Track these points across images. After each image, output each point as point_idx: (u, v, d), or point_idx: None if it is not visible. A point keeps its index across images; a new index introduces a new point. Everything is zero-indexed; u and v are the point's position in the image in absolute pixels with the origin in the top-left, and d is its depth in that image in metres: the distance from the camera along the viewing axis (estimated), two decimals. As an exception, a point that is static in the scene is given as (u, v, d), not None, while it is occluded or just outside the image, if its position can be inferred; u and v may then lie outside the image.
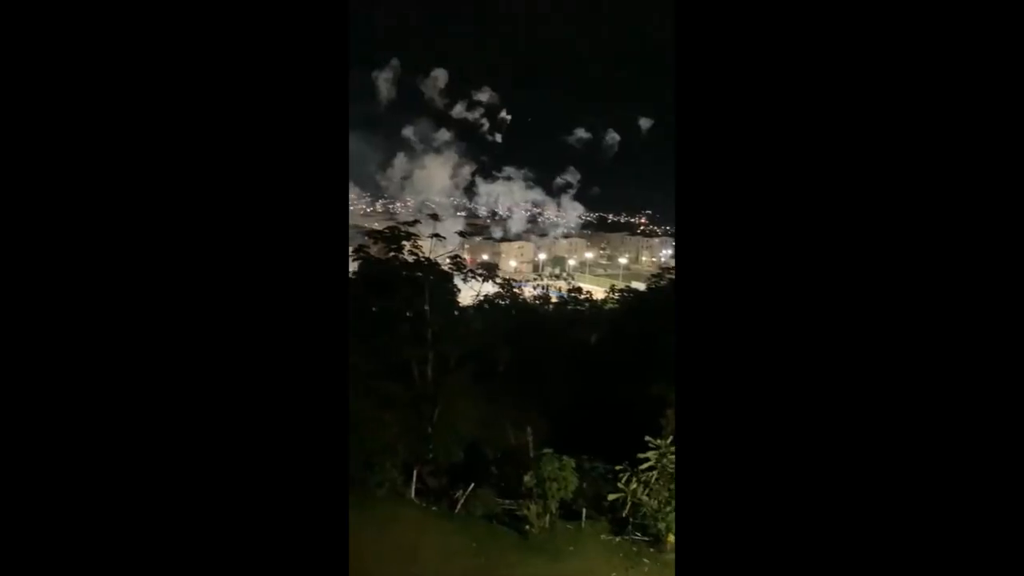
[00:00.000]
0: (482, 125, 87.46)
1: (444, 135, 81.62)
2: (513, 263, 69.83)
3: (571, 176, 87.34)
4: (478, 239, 72.24)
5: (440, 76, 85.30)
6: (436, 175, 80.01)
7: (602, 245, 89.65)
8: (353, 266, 19.44)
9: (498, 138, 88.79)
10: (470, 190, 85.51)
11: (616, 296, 30.77)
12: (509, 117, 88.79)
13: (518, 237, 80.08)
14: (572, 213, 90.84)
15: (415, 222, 19.37)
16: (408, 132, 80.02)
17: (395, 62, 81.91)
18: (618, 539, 13.77)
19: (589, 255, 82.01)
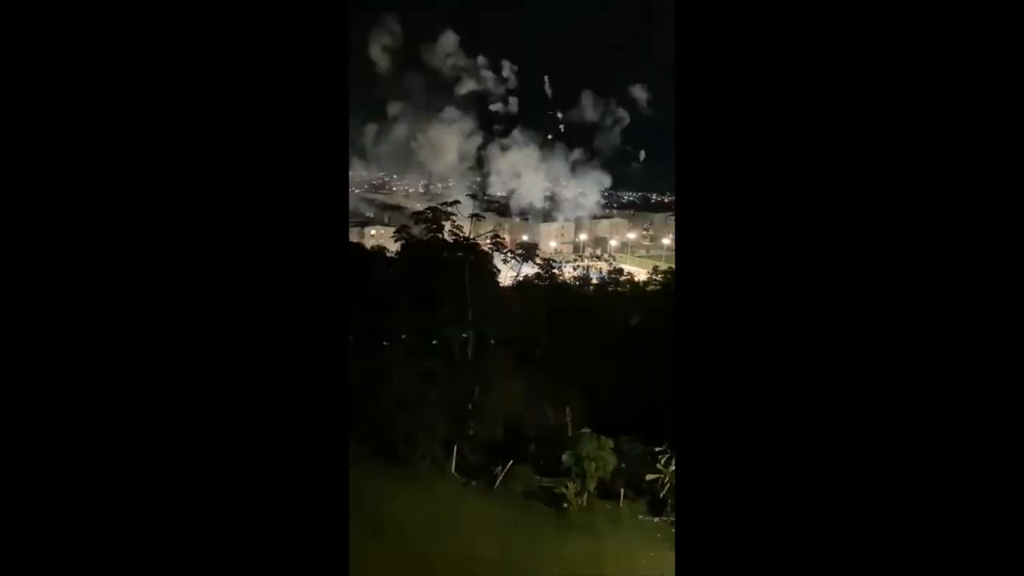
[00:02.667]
0: (492, 94, 77.27)
1: (453, 105, 73.10)
2: (553, 244, 69.23)
3: (587, 151, 79.36)
4: (517, 219, 71.25)
5: (448, 41, 73.97)
6: (447, 148, 71.33)
7: (645, 226, 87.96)
8: (395, 247, 19.78)
9: (513, 106, 78.19)
10: (481, 165, 76.40)
11: (659, 278, 30.26)
12: (516, 70, 77.66)
13: (546, 216, 74.09)
14: (595, 189, 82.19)
15: (455, 202, 19.47)
16: (413, 102, 71.12)
17: (396, 27, 72.28)
18: (656, 520, 13.77)
19: (631, 236, 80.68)
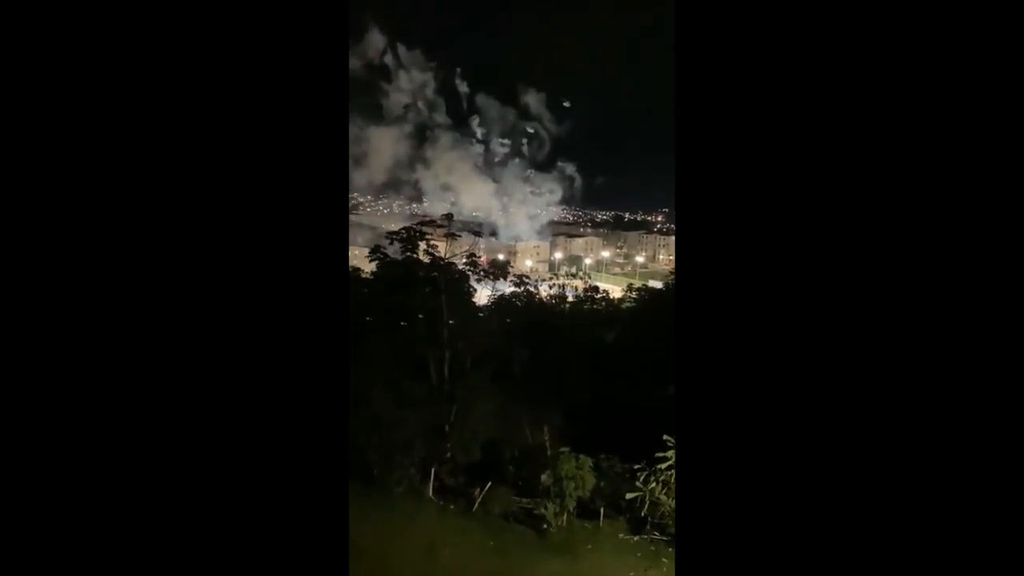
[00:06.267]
0: (422, 97, 74.06)
1: (379, 109, 70.51)
2: (529, 262, 69.40)
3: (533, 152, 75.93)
4: (493, 239, 70.70)
5: (375, 41, 70.64)
6: (374, 157, 68.50)
7: (619, 244, 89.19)
8: (371, 266, 19.63)
9: (440, 114, 73.58)
10: (413, 175, 72.97)
11: (633, 295, 30.59)
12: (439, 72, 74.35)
13: (491, 229, 68.74)
14: (545, 196, 78.51)
15: (430, 222, 19.48)
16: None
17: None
18: (636, 538, 13.68)
19: (606, 254, 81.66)
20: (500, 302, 23.78)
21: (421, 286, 17.69)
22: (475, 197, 74.98)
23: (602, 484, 14.45)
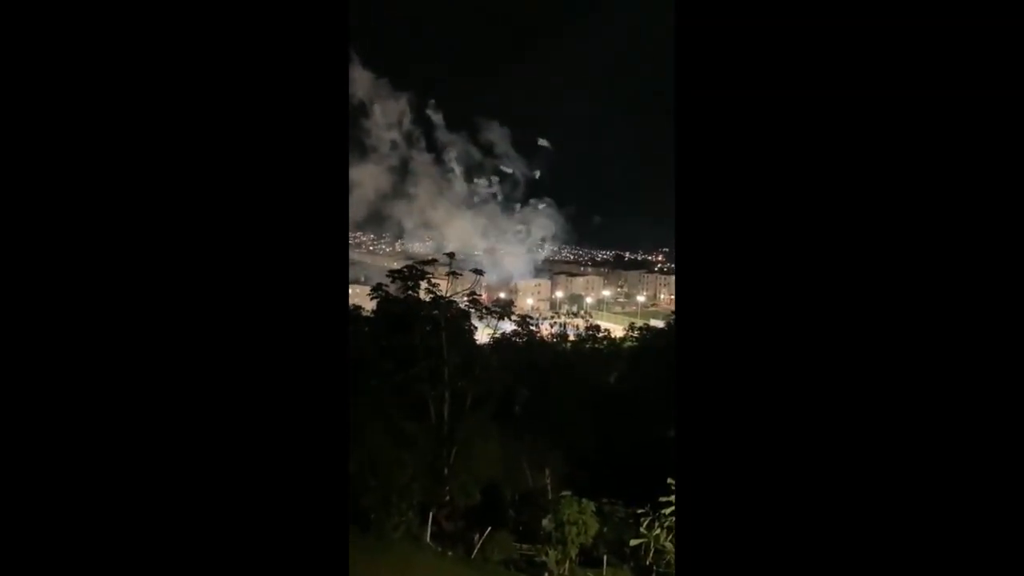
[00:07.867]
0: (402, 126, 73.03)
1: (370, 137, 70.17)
2: (530, 300, 69.50)
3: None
4: (489, 277, 70.42)
5: (361, 78, 69.54)
6: (365, 185, 67.45)
7: (620, 283, 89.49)
8: (371, 304, 19.63)
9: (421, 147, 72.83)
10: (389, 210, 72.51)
11: (635, 334, 30.48)
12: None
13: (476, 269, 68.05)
14: (537, 233, 78.12)
15: (432, 261, 19.60)
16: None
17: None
18: (641, 588, 13.20)
19: (606, 293, 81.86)
20: (501, 341, 23.65)
21: (422, 324, 17.63)
22: (463, 234, 74.68)
23: (605, 530, 14.02)
